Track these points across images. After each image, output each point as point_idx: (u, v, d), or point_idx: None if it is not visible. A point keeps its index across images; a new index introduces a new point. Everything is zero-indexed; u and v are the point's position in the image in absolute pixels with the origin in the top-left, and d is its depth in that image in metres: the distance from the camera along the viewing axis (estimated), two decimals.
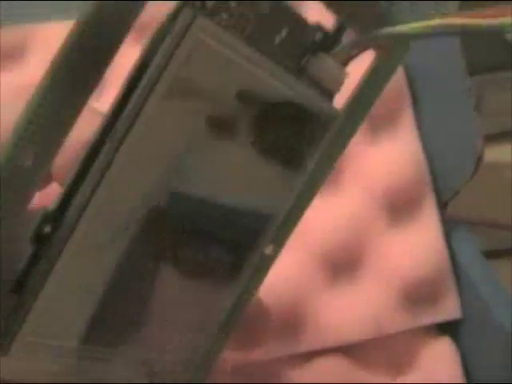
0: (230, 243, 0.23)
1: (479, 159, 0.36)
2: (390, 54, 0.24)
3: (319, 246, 0.35)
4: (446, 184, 0.38)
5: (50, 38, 0.37)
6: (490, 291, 0.36)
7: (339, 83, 0.22)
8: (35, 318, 0.19)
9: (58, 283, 0.19)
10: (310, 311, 0.34)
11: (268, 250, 0.24)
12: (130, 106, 0.18)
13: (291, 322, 0.33)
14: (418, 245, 0.36)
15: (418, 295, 0.36)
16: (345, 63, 0.22)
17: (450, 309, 0.36)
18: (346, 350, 0.35)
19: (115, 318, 0.21)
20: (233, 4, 0.19)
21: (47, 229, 0.19)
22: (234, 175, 0.22)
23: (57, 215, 0.19)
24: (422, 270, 0.36)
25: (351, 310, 0.35)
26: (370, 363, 0.36)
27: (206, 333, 0.24)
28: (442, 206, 0.38)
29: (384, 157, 0.37)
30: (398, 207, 0.37)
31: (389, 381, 0.36)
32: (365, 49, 0.22)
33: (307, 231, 0.35)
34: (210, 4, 0.18)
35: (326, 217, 0.36)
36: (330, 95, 0.23)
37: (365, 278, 0.36)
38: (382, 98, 0.35)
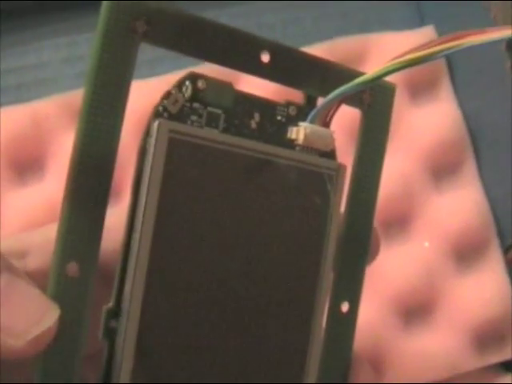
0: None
1: None
2: (375, 106, 0.29)
3: (393, 292, 0.40)
4: (508, 228, 0.43)
5: None
6: None
7: (329, 143, 0.28)
8: None
9: (140, 367, 0.24)
10: (386, 354, 0.39)
11: (343, 307, 0.29)
12: (139, 206, 0.24)
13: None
14: (484, 287, 0.41)
15: (486, 335, 0.41)
16: (327, 124, 0.28)
17: None
18: None
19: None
20: (197, 106, 0.25)
21: (113, 323, 0.24)
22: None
23: (117, 309, 0.24)
24: (490, 311, 0.41)
25: (425, 351, 0.40)
26: None
27: None
28: (505, 249, 0.42)
29: (449, 205, 0.42)
30: (464, 252, 0.42)
31: None
32: (338, 106, 0.27)
33: (381, 278, 0.40)
34: (174, 110, 0.25)
35: (398, 264, 0.41)
36: (329, 155, 0.28)
37: (436, 321, 0.41)
38: (444, 149, 0.40)
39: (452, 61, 0.44)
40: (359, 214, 0.29)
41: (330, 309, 0.29)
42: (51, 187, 0.40)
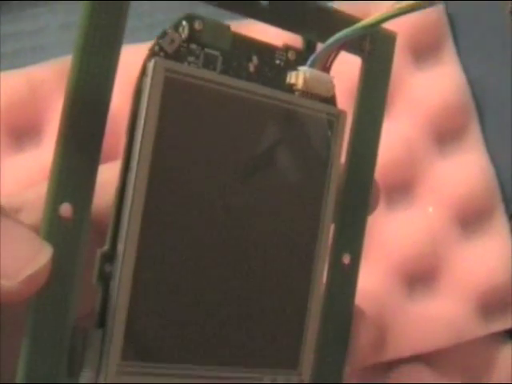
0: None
1: None
2: (376, 54, 0.29)
3: (397, 259, 0.40)
4: None
5: None
6: None
7: (330, 88, 0.28)
8: (124, 347, 0.24)
9: (135, 311, 0.24)
10: (391, 322, 0.39)
11: (345, 259, 0.29)
12: (134, 146, 0.24)
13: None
14: (489, 254, 0.41)
15: (491, 302, 0.40)
16: (327, 70, 0.27)
17: None
18: (425, 358, 0.40)
19: (208, 335, 0.26)
20: (194, 47, 0.25)
21: (108, 267, 0.24)
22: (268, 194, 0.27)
23: (112, 254, 0.24)
24: (495, 278, 0.41)
25: (429, 319, 0.40)
26: (447, 370, 0.40)
27: (308, 345, 0.28)
28: (510, 215, 0.42)
29: (453, 170, 0.42)
30: (469, 218, 0.42)
31: None
32: (338, 51, 0.27)
33: (385, 244, 0.40)
34: (170, 50, 0.25)
35: (402, 230, 0.41)
36: (329, 101, 0.28)
37: (440, 288, 0.41)
38: (448, 114, 0.40)
39: (456, 25, 0.44)
40: (360, 163, 0.29)
41: (332, 261, 0.29)
42: (48, 153, 0.39)
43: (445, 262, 0.41)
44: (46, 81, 0.41)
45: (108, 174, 0.25)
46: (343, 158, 0.29)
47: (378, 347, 0.39)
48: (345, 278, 0.29)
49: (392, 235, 0.41)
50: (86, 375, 0.24)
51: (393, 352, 0.40)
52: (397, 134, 0.42)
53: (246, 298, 0.27)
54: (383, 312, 0.40)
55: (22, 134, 0.41)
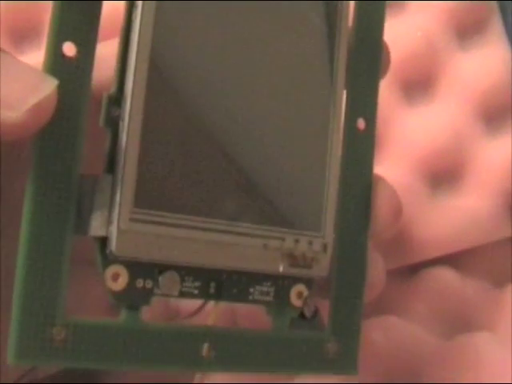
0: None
1: None
2: None
3: (419, 156, 0.40)
4: None
5: None
6: None
7: None
8: (137, 192, 0.24)
9: (146, 157, 0.24)
10: (414, 223, 0.39)
11: (360, 124, 0.29)
12: None
13: (396, 235, 0.37)
14: None
15: None
16: None
17: None
18: (451, 260, 0.39)
19: (224, 187, 0.25)
20: None
21: (115, 111, 0.24)
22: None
23: (119, 96, 0.24)
24: None
25: (454, 218, 0.39)
26: (473, 273, 0.40)
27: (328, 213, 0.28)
28: None
29: (475, 64, 0.41)
30: (492, 113, 0.41)
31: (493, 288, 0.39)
32: None
33: (406, 141, 0.40)
34: None
35: (424, 126, 0.40)
36: None
37: (466, 187, 0.40)
38: (469, 6, 0.39)
39: None
40: (368, 26, 0.29)
41: (346, 127, 0.29)
42: None
43: (469, 158, 0.40)
44: None
45: (108, 49, 0.25)
46: (350, 22, 0.29)
47: (397, 252, 0.39)
48: (361, 143, 0.29)
49: (413, 131, 0.40)
50: (96, 225, 0.24)
51: (418, 253, 0.39)
52: (415, 28, 0.41)
53: (263, 157, 0.26)
54: (407, 212, 0.39)
55: (22, 36, 0.41)
